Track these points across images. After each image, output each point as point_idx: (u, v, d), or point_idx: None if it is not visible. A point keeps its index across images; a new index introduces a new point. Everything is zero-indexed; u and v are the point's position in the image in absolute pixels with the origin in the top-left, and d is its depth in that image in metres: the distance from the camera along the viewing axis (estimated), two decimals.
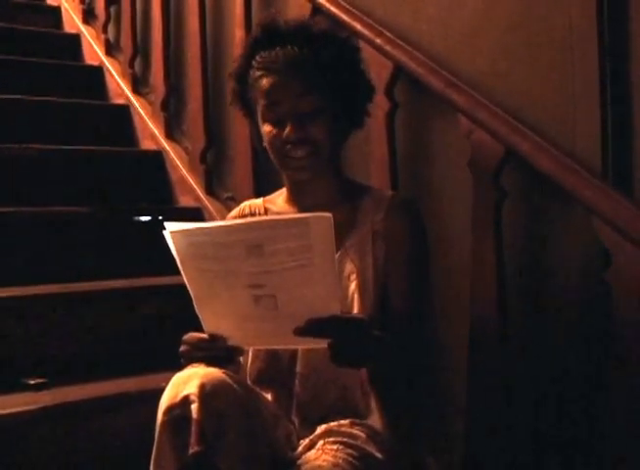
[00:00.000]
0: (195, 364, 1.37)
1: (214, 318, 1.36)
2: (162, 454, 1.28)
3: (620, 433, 1.54)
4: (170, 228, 1.29)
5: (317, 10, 2.29)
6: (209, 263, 1.29)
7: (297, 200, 1.60)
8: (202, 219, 2.64)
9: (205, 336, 1.38)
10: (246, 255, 1.24)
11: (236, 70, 1.59)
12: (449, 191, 1.99)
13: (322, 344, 1.28)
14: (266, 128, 1.52)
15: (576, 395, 1.71)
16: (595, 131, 1.66)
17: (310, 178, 1.54)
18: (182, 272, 1.34)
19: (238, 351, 1.41)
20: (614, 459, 1.55)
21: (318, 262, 1.23)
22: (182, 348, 1.41)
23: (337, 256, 1.44)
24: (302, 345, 1.40)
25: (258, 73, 1.52)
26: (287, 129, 1.49)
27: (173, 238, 1.29)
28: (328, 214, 1.21)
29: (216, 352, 1.37)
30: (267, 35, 1.54)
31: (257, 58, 1.53)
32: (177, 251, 1.31)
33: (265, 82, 1.50)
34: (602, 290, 1.60)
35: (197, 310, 1.36)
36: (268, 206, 1.67)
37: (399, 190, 2.02)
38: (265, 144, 1.55)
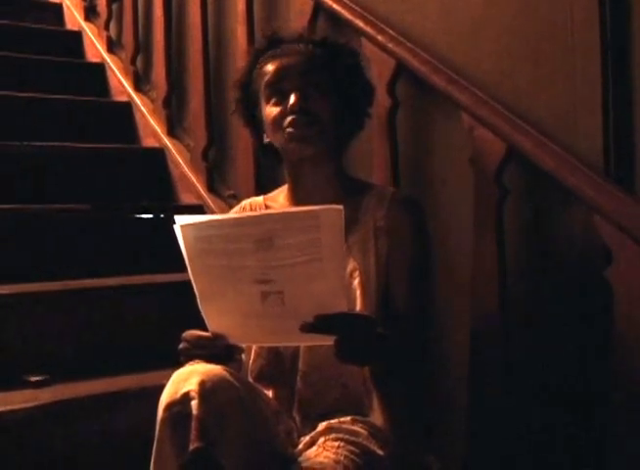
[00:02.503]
0: (194, 362, 1.37)
1: (219, 316, 1.36)
2: (163, 451, 1.28)
3: (622, 432, 1.53)
4: (180, 222, 1.29)
5: (319, 7, 2.28)
6: (218, 259, 1.29)
7: (297, 197, 1.60)
8: None
9: (204, 333, 1.38)
10: (255, 248, 1.24)
11: (240, 79, 1.63)
12: (451, 188, 1.99)
13: (327, 341, 1.28)
14: (270, 111, 1.54)
15: (578, 393, 1.71)
16: (597, 129, 1.65)
17: (312, 155, 1.54)
18: (189, 269, 1.33)
19: (238, 349, 1.41)
20: (616, 459, 1.55)
21: (327, 257, 1.23)
22: (181, 345, 1.41)
23: None
24: (307, 342, 1.40)
25: (263, 64, 1.57)
26: (291, 100, 1.51)
27: (183, 232, 1.29)
28: (339, 207, 1.21)
29: (216, 349, 1.38)
30: (271, 45, 1.61)
31: (261, 59, 1.59)
32: (186, 246, 1.31)
33: (270, 66, 1.56)
34: (603, 288, 1.59)
35: (200, 308, 1.36)
36: (269, 203, 1.68)
37: (401, 187, 2.01)
38: (267, 129, 1.57)
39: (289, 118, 1.51)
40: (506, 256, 1.77)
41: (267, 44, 1.62)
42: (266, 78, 1.55)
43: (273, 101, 1.54)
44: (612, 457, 1.56)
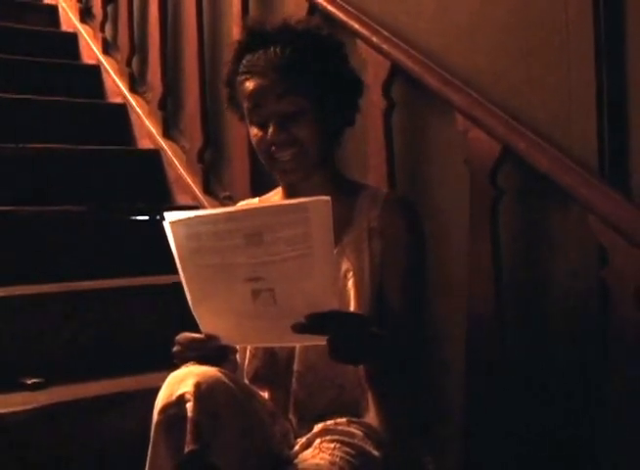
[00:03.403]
0: (188, 364, 1.37)
1: (211, 318, 1.36)
2: (158, 453, 1.28)
3: (621, 432, 1.54)
4: (170, 218, 1.28)
5: (314, 8, 2.28)
6: (208, 257, 1.28)
7: (291, 197, 1.59)
8: None
9: (197, 336, 1.38)
10: (245, 244, 1.24)
11: (226, 76, 1.60)
12: (446, 189, 1.99)
13: (320, 340, 1.27)
14: (252, 131, 1.53)
15: (576, 393, 1.71)
16: (592, 130, 1.66)
17: (301, 179, 1.53)
18: (180, 270, 1.33)
19: (231, 349, 1.41)
20: (614, 459, 1.55)
21: (317, 252, 1.22)
22: (175, 348, 1.41)
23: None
24: (301, 341, 1.39)
25: (242, 78, 1.53)
26: (270, 131, 1.49)
27: (173, 229, 1.29)
28: (326, 198, 1.20)
29: (209, 351, 1.37)
30: (253, 38, 1.55)
31: (243, 62, 1.54)
32: (176, 245, 1.30)
33: (248, 85, 1.51)
34: (599, 288, 1.60)
35: (193, 310, 1.36)
36: None
37: (397, 188, 2.02)
38: (254, 146, 1.55)
39: (271, 149, 1.49)
40: (502, 255, 1.77)
41: (248, 37, 1.56)
42: (245, 103, 1.52)
43: (255, 122, 1.52)
44: (611, 457, 1.56)
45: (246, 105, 1.52)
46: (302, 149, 1.49)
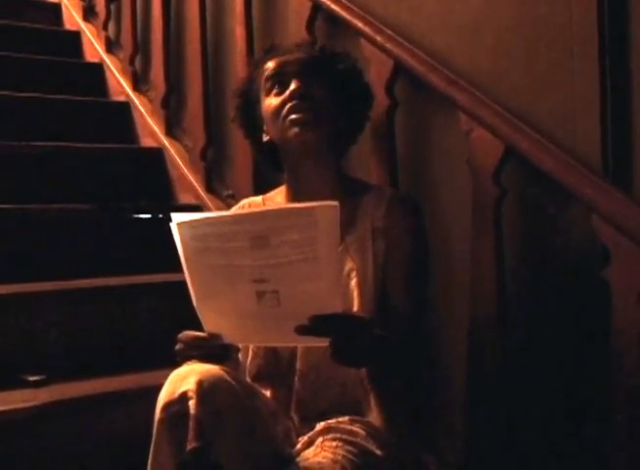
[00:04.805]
0: (190, 362, 1.38)
1: (215, 317, 1.36)
2: (160, 451, 1.28)
3: (621, 431, 1.53)
4: (177, 219, 1.29)
5: (317, 8, 2.28)
6: (214, 258, 1.29)
7: (296, 197, 1.60)
8: None
9: (199, 334, 1.38)
10: (250, 247, 1.24)
11: (240, 87, 1.65)
12: (449, 189, 1.99)
13: (323, 342, 1.28)
14: (270, 102, 1.56)
15: (577, 393, 1.71)
16: (595, 129, 1.65)
17: (312, 142, 1.54)
18: (185, 269, 1.33)
19: (233, 347, 1.41)
20: (615, 458, 1.55)
21: (322, 256, 1.23)
22: (177, 346, 1.41)
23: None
24: (303, 342, 1.40)
25: (263, 63, 1.61)
26: (292, 86, 1.54)
27: (179, 230, 1.30)
28: (334, 203, 1.21)
29: (211, 349, 1.38)
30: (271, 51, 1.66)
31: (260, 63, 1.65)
32: (182, 244, 1.31)
33: (271, 62, 1.59)
34: (601, 288, 1.60)
35: (197, 309, 1.36)
36: (268, 203, 1.68)
37: (399, 188, 2.02)
38: (267, 122, 1.59)
39: (289, 105, 1.52)
40: (504, 255, 1.77)
41: (268, 50, 1.67)
42: (267, 72, 1.58)
43: (274, 92, 1.56)
44: (611, 458, 1.56)
45: (268, 74, 1.58)
46: (318, 109, 1.54)
